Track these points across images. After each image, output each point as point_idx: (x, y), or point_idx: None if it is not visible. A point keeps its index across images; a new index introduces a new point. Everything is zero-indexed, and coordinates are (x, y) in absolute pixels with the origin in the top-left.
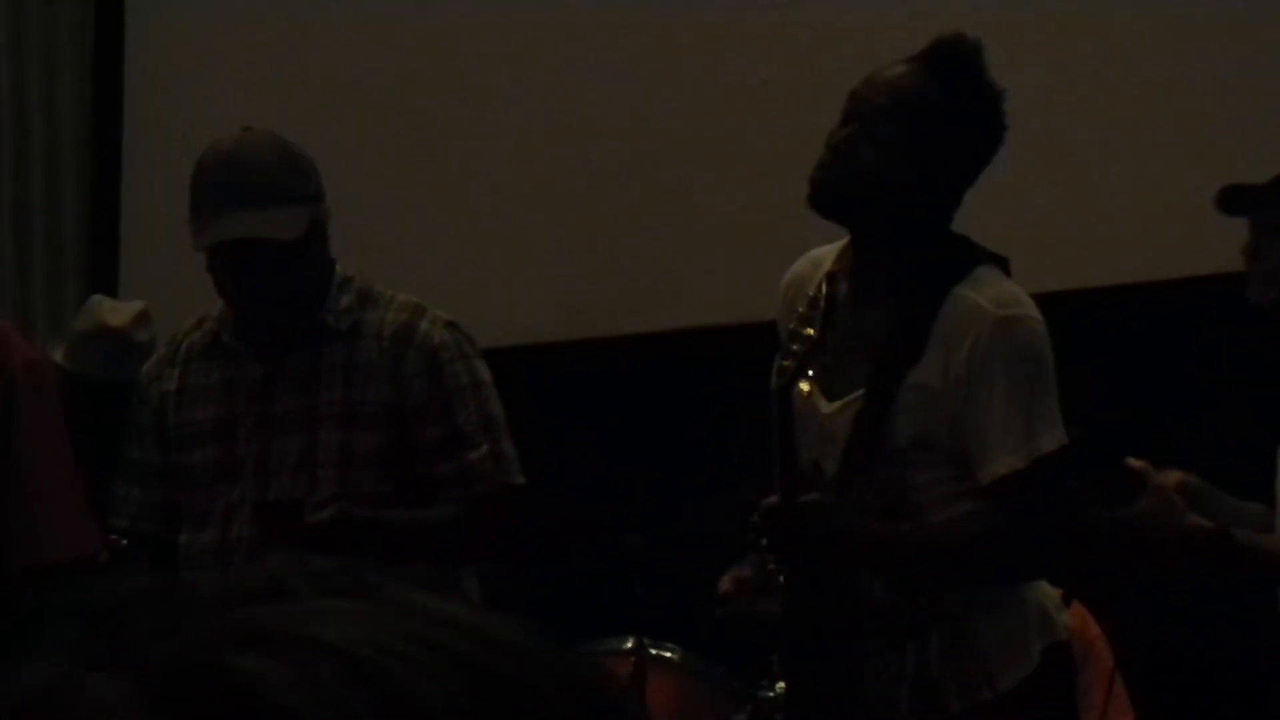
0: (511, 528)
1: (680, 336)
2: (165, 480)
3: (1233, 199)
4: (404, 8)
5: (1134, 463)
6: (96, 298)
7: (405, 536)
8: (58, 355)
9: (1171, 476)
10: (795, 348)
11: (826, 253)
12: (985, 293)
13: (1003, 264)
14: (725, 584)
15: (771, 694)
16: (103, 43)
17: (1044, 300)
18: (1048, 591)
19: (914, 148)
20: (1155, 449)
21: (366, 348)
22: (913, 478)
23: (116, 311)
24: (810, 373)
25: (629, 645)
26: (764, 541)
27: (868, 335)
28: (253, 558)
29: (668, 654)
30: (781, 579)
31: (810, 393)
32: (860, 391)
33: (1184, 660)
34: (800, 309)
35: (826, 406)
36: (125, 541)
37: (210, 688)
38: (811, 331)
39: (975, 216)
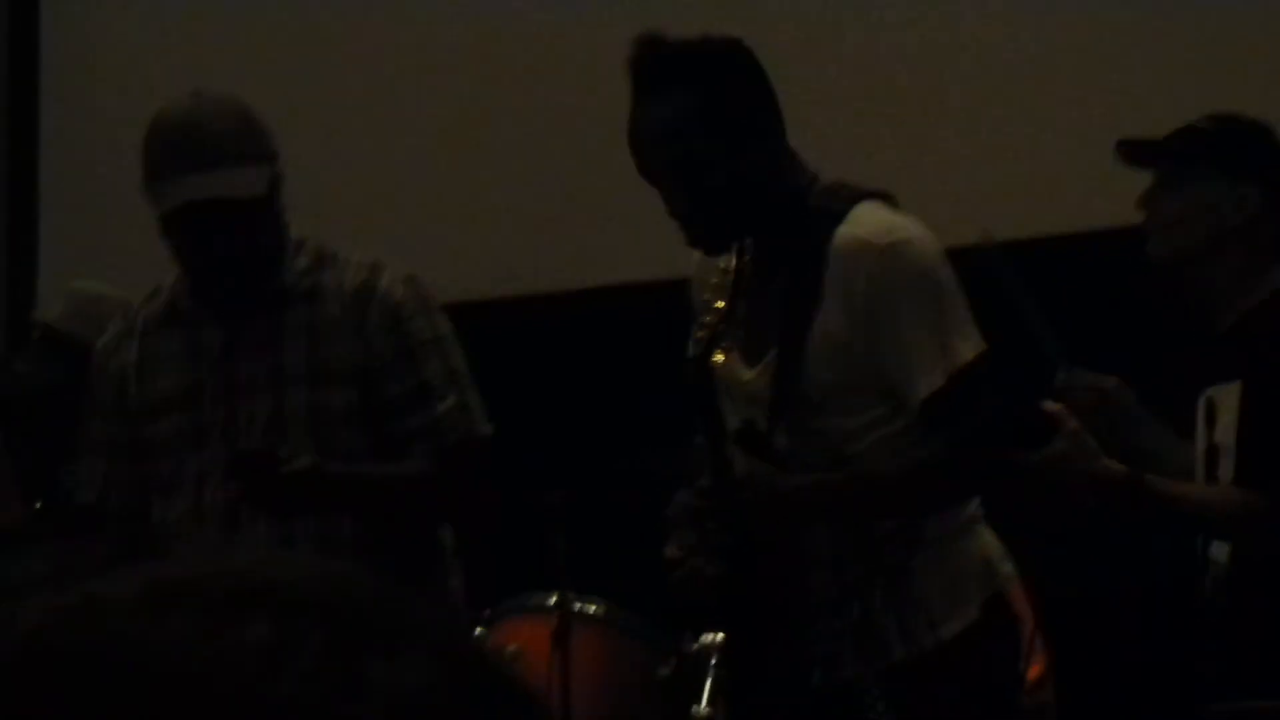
0: (483, 477)
1: (608, 293)
2: (129, 454)
3: (1133, 151)
4: None
5: (1050, 406)
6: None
7: (378, 490)
8: (51, 313)
9: (1108, 381)
10: (707, 319)
11: None
12: (865, 227)
13: (886, 198)
14: (670, 551)
15: (696, 646)
16: (19, 12)
17: (966, 252)
18: (990, 541)
19: (714, 157)
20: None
21: (328, 307)
22: (846, 424)
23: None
24: (724, 344)
25: (553, 601)
26: (705, 523)
27: (774, 300)
28: (228, 522)
29: (592, 609)
30: (724, 542)
31: (729, 362)
32: (774, 352)
33: (1097, 601)
34: (713, 280)
35: (747, 374)
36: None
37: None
38: (722, 304)
39: (890, 168)
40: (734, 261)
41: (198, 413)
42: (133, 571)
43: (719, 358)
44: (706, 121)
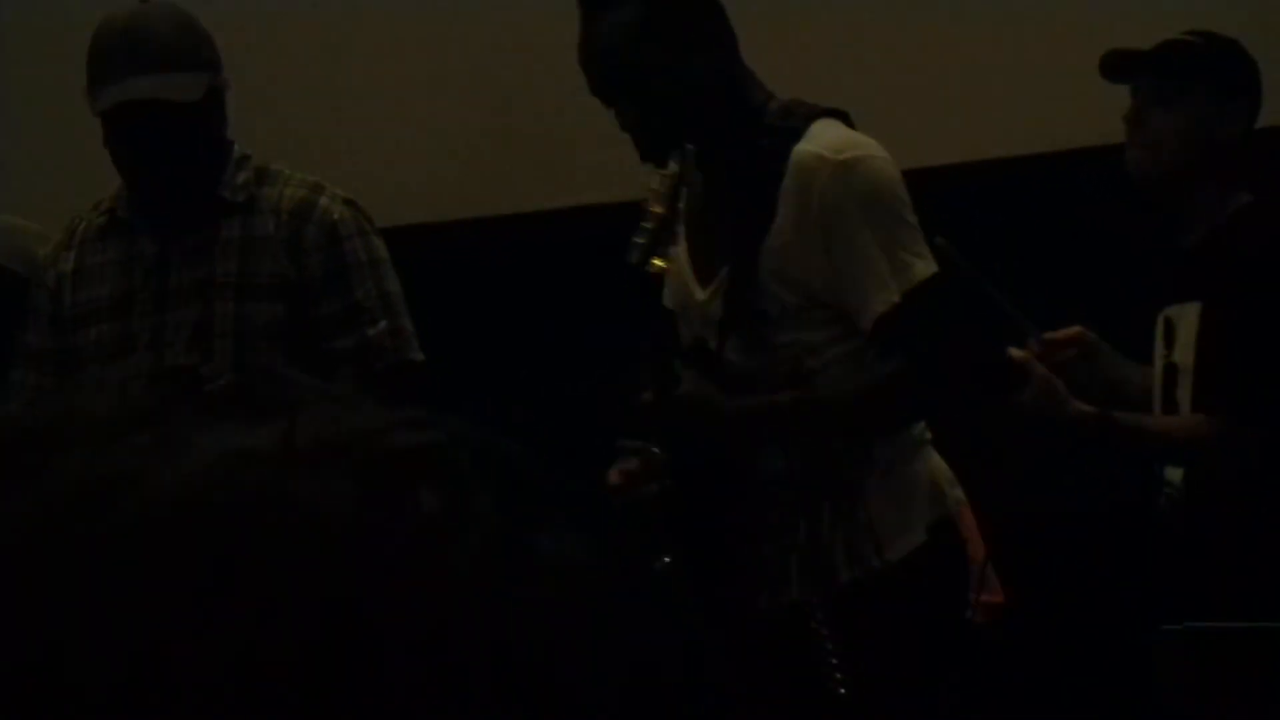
0: (414, 404)
1: (563, 216)
2: (59, 365)
3: (1116, 64)
4: None
5: (1016, 353)
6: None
7: None
8: None
9: (1071, 330)
10: (646, 225)
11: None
12: (820, 142)
13: (842, 117)
14: (613, 476)
15: (662, 561)
16: None
17: (934, 173)
18: (939, 465)
19: (659, 63)
20: (1046, 319)
21: (263, 221)
22: (803, 339)
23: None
24: (663, 250)
25: None
26: (648, 435)
27: (726, 218)
28: None
29: None
30: (668, 462)
31: (682, 281)
32: (726, 269)
33: (1050, 522)
34: (653, 185)
35: (700, 293)
36: None
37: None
38: (660, 210)
39: (859, 90)
40: (675, 168)
41: (127, 321)
42: (247, 425)
43: (658, 263)
44: (650, 30)
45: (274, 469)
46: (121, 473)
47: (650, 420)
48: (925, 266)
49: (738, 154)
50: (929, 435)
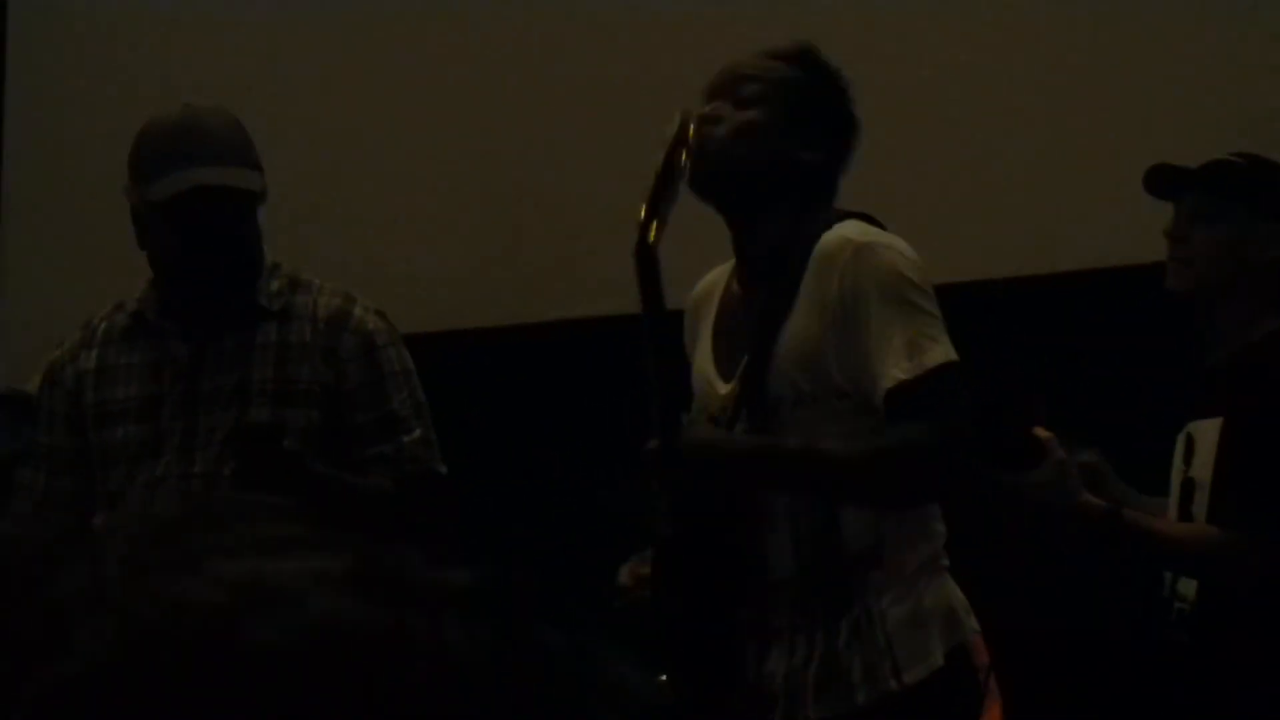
0: (434, 512)
1: (579, 326)
2: (75, 467)
3: (1162, 180)
4: None
5: (1041, 432)
6: None
7: (349, 497)
8: None
9: (1086, 454)
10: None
11: (721, 270)
12: (847, 230)
13: (868, 219)
14: (624, 576)
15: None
16: None
17: (963, 289)
18: (956, 592)
19: (789, 127)
20: (1070, 434)
21: (299, 328)
22: (820, 430)
23: None
24: (665, 211)
25: None
26: (655, 484)
27: (751, 314)
28: None
29: None
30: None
31: (704, 375)
32: (745, 358)
33: (1057, 638)
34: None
35: (723, 388)
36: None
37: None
38: (659, 167)
39: (894, 202)
40: (677, 124)
41: (156, 423)
42: (316, 551)
43: (652, 231)
44: (807, 93)
45: (403, 603)
46: (283, 587)
47: (656, 467)
48: (943, 351)
49: (777, 241)
50: (946, 562)
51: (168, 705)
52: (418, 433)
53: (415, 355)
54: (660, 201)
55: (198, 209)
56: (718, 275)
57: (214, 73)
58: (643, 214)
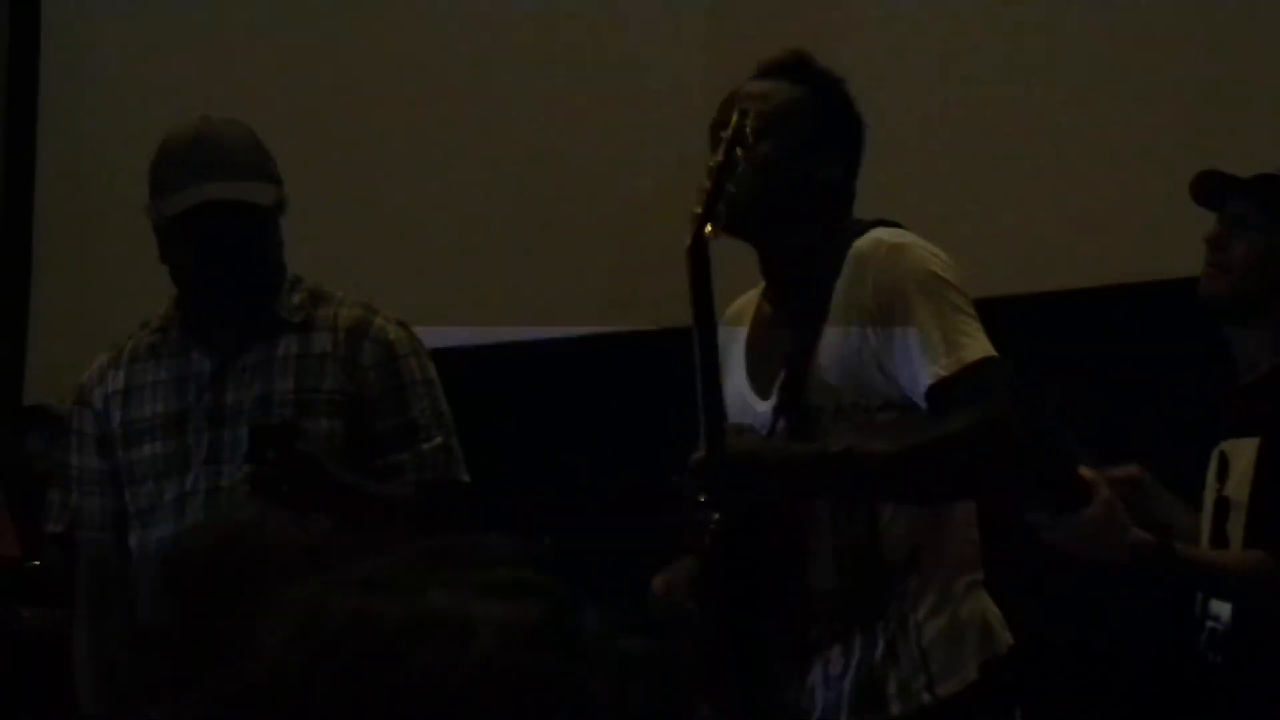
0: (455, 522)
1: (608, 340)
2: (104, 486)
3: (1210, 187)
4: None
5: (1086, 472)
6: None
7: (367, 501)
8: None
9: (1130, 469)
10: (704, 188)
11: (750, 296)
12: (877, 234)
13: (896, 226)
14: (657, 584)
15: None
16: (18, 43)
17: (998, 304)
18: (991, 606)
19: (801, 151)
20: (1103, 452)
21: (320, 339)
22: (855, 435)
23: None
24: (719, 211)
25: None
26: (700, 498)
27: (785, 330)
28: None
29: None
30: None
31: (739, 395)
32: (783, 373)
33: (1089, 657)
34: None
35: (761, 405)
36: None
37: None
38: (717, 160)
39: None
40: (736, 120)
41: (182, 438)
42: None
43: (709, 229)
44: (813, 111)
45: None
46: (469, 624)
47: (704, 479)
48: (983, 347)
49: (805, 259)
50: (981, 575)
51: (333, 709)
52: (438, 440)
53: (447, 368)
54: (716, 201)
55: (210, 223)
56: (747, 300)
57: (244, 86)
58: (699, 213)
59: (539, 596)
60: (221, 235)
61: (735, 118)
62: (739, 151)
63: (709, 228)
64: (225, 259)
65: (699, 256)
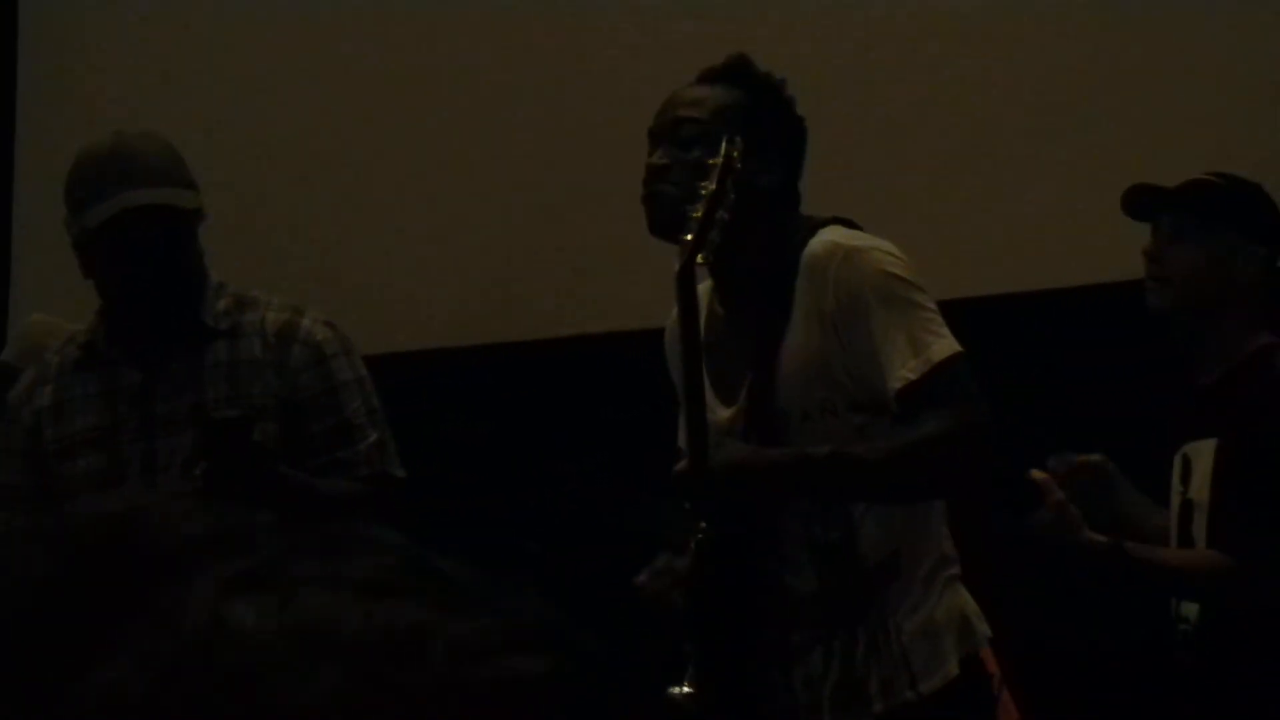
0: (389, 517)
1: (586, 342)
2: (30, 501)
3: (1139, 200)
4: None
5: (1037, 475)
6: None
7: (311, 497)
8: (9, 352)
9: (1093, 458)
10: (694, 215)
11: (700, 293)
12: (831, 235)
13: (848, 223)
14: (642, 577)
15: (682, 691)
16: None
17: (961, 305)
18: (969, 600)
19: (746, 154)
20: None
21: (249, 345)
22: (825, 439)
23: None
24: (710, 241)
25: None
26: (686, 505)
27: (744, 333)
28: None
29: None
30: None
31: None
32: (748, 379)
33: (1066, 658)
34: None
35: (725, 413)
36: None
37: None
38: (709, 187)
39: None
40: (728, 150)
41: (115, 450)
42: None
43: (700, 259)
44: (749, 120)
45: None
46: (420, 624)
47: (688, 486)
48: (948, 345)
49: (756, 262)
50: (957, 570)
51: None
52: (373, 437)
53: (423, 373)
54: (708, 230)
55: (132, 231)
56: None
57: (225, 93)
58: (689, 240)
59: (416, 602)
60: (144, 241)
61: (724, 145)
62: (729, 182)
63: (698, 257)
64: (149, 265)
65: (687, 282)
